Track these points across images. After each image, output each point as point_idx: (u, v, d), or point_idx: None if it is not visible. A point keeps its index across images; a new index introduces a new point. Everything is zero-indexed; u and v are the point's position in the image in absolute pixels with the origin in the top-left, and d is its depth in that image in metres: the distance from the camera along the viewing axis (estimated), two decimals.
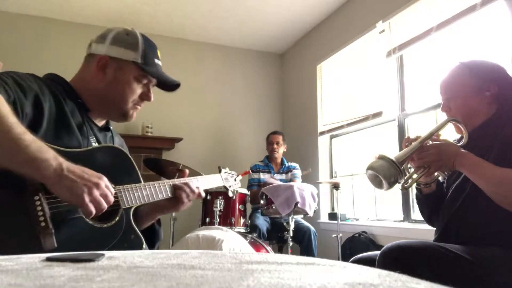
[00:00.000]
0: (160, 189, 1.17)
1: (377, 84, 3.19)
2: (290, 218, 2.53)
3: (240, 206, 2.79)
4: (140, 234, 1.07)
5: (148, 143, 3.96)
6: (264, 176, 3.47)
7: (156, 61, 1.18)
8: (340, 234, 2.79)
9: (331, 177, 3.81)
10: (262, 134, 4.10)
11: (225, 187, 1.54)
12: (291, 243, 2.60)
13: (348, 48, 3.57)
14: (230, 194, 2.40)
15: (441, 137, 1.30)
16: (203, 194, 1.30)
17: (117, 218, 1.02)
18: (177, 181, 1.24)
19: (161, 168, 2.44)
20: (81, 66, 1.17)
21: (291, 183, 2.69)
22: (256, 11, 3.81)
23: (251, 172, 3.43)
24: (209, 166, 3.90)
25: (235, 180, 1.60)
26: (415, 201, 1.51)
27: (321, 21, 4.03)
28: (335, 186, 2.88)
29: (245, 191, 2.91)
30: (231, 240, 2.00)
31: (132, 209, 1.08)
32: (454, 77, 1.35)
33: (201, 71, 4.46)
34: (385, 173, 1.16)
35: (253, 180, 3.47)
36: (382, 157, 1.19)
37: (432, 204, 1.39)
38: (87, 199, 0.86)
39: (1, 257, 0.50)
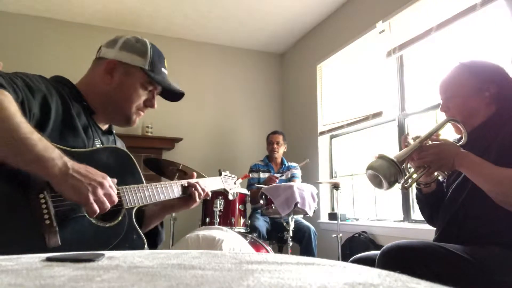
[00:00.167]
0: (162, 190, 1.19)
1: (377, 84, 3.19)
2: (290, 218, 2.53)
3: (240, 206, 2.79)
4: (142, 234, 1.08)
5: (148, 143, 3.96)
6: (264, 176, 3.47)
7: (163, 70, 1.22)
8: (340, 234, 2.79)
9: (331, 177, 3.81)
10: (262, 134, 4.10)
11: (225, 190, 1.57)
12: (291, 243, 2.60)
13: (348, 48, 3.57)
14: (230, 197, 2.40)
15: (441, 137, 1.30)
16: (210, 194, 1.36)
17: (120, 218, 1.04)
18: (185, 181, 1.29)
19: (161, 168, 2.44)
20: (89, 69, 1.20)
21: (291, 183, 2.69)
22: (256, 11, 3.81)
23: (250, 176, 3.44)
24: (209, 166, 3.91)
25: (234, 183, 1.63)
26: (415, 201, 1.52)
27: (321, 21, 4.03)
28: (335, 186, 2.88)
29: (245, 191, 2.91)
30: (231, 240, 2.00)
31: (135, 210, 1.09)
32: (454, 77, 1.35)
33: (201, 71, 4.46)
34: (385, 172, 1.16)
35: (253, 180, 3.47)
36: (382, 157, 1.19)
37: (432, 204, 1.39)
38: (91, 198, 0.88)
39: (1, 257, 0.50)
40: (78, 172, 0.87)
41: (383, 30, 3.08)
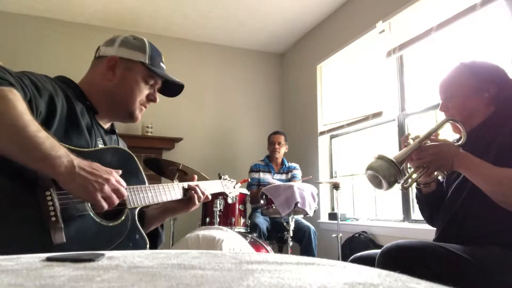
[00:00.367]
0: (164, 191, 1.20)
1: (377, 84, 3.19)
2: (290, 218, 2.53)
3: (240, 206, 2.79)
4: (144, 234, 1.09)
5: (148, 143, 3.96)
6: (264, 176, 3.47)
7: (162, 64, 1.24)
8: (340, 234, 2.79)
9: (331, 177, 3.81)
10: (262, 134, 4.10)
11: (225, 193, 1.59)
12: (291, 243, 2.60)
13: (348, 48, 3.57)
14: (230, 201, 2.41)
15: (440, 137, 1.30)
16: (210, 197, 1.36)
17: (123, 217, 1.04)
18: (186, 184, 1.30)
19: (161, 168, 2.44)
20: (89, 69, 1.21)
21: (291, 183, 2.69)
22: (256, 11, 3.81)
23: (249, 180, 3.43)
24: (209, 166, 3.91)
25: (234, 187, 1.65)
26: (415, 201, 1.51)
27: (321, 21, 4.03)
28: (335, 186, 2.88)
29: (245, 191, 2.90)
30: (231, 240, 2.00)
31: (137, 210, 1.10)
32: (454, 77, 1.35)
33: (201, 71, 4.46)
34: (385, 173, 1.16)
35: (253, 180, 3.46)
36: (381, 157, 1.19)
37: (432, 204, 1.39)
38: (99, 195, 0.89)
39: (1, 257, 0.50)
40: (84, 169, 0.89)
41: (383, 30, 3.08)
